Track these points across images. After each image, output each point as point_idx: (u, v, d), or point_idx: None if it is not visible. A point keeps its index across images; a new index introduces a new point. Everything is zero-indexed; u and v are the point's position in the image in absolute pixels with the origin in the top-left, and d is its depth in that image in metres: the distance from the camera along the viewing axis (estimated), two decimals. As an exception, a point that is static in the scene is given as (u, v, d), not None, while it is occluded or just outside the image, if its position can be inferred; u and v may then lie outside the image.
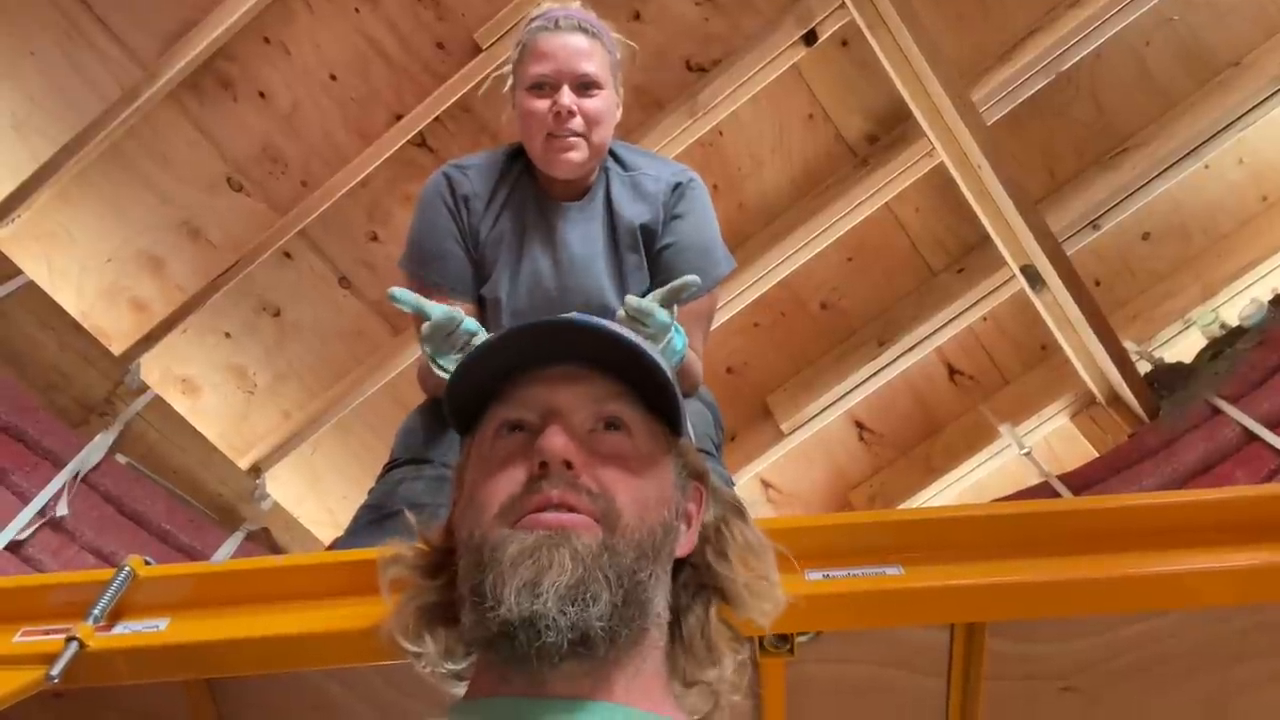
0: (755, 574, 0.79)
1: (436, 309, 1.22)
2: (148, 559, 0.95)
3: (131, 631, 0.90)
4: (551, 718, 0.66)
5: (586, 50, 1.42)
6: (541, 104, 1.41)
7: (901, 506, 3.07)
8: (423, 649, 0.76)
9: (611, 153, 1.54)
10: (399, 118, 2.64)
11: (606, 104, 1.44)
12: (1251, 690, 1.04)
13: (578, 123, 1.40)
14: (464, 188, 1.52)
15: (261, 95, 2.62)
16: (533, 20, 1.47)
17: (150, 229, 2.71)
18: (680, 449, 0.80)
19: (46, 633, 0.92)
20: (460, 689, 0.76)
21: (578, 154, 1.42)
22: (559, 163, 1.43)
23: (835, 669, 0.99)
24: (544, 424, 0.73)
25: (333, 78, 2.63)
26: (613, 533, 0.69)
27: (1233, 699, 1.05)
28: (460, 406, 0.80)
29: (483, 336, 1.27)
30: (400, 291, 1.19)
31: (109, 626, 0.92)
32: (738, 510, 0.83)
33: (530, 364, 0.77)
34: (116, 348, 2.67)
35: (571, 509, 0.69)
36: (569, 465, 0.71)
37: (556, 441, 0.71)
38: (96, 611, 0.89)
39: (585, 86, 1.41)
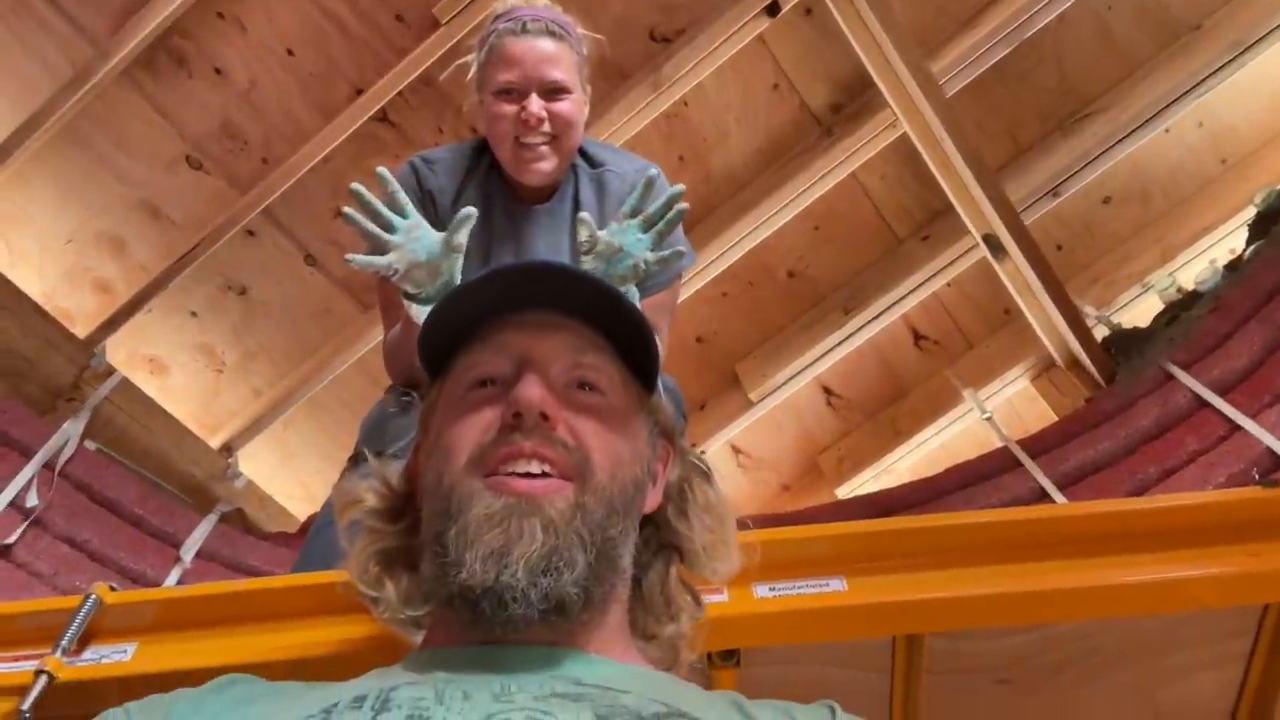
0: (713, 535, 0.79)
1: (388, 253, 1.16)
2: (112, 585, 0.97)
3: (99, 659, 0.92)
4: (524, 666, 0.64)
5: (554, 55, 1.40)
6: (509, 109, 1.39)
7: (869, 469, 3.14)
8: (381, 594, 0.74)
9: (580, 149, 1.53)
10: (360, 92, 2.61)
11: (575, 107, 1.42)
12: (1179, 678, 1.10)
13: (546, 128, 1.39)
14: (430, 182, 1.50)
15: (218, 71, 2.58)
16: (498, 19, 1.45)
17: (109, 209, 2.68)
18: (652, 406, 0.80)
19: (16, 660, 0.95)
20: (419, 637, 0.74)
21: (547, 163, 1.42)
22: (529, 172, 1.42)
23: (783, 670, 1.03)
24: (519, 373, 0.71)
25: (290, 53, 2.59)
26: (584, 488, 0.68)
27: (1161, 688, 1.10)
28: (432, 350, 0.78)
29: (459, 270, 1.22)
30: (357, 256, 1.17)
31: (78, 652, 0.95)
32: (702, 472, 0.83)
33: (507, 308, 0.75)
34: (81, 330, 2.66)
35: (544, 460, 0.68)
36: (545, 417, 0.69)
37: (533, 392, 0.69)
38: (65, 643, 0.91)
39: (554, 92, 1.40)
